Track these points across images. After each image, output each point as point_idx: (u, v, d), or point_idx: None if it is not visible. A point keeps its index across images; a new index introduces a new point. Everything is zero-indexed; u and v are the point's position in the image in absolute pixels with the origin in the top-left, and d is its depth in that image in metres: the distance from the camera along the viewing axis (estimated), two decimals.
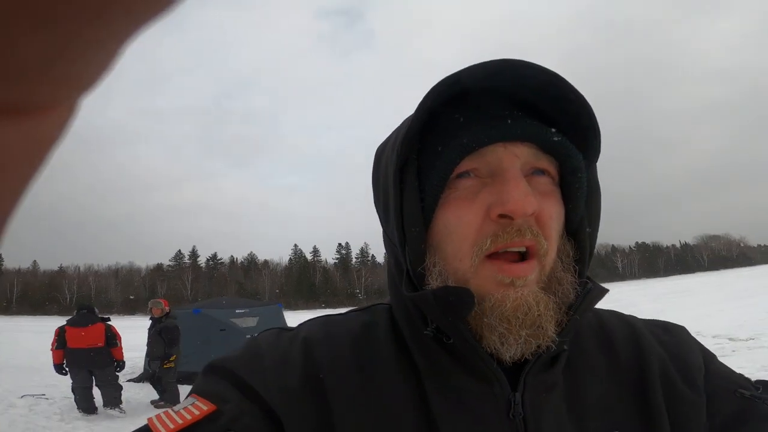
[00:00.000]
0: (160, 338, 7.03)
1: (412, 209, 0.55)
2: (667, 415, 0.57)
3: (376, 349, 0.59)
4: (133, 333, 11.20)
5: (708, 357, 0.64)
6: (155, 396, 7.21)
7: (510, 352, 0.53)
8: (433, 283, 0.55)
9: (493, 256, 0.54)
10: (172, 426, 0.52)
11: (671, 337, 0.65)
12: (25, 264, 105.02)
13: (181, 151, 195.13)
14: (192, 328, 8.36)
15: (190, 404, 0.54)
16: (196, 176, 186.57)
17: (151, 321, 7.31)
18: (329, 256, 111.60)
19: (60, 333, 6.74)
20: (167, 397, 6.92)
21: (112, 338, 6.87)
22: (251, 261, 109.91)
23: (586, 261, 0.58)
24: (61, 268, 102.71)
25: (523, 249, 0.54)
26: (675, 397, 0.58)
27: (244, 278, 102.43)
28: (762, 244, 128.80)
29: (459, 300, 0.52)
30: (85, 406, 6.63)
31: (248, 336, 7.36)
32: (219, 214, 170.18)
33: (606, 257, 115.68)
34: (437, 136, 0.56)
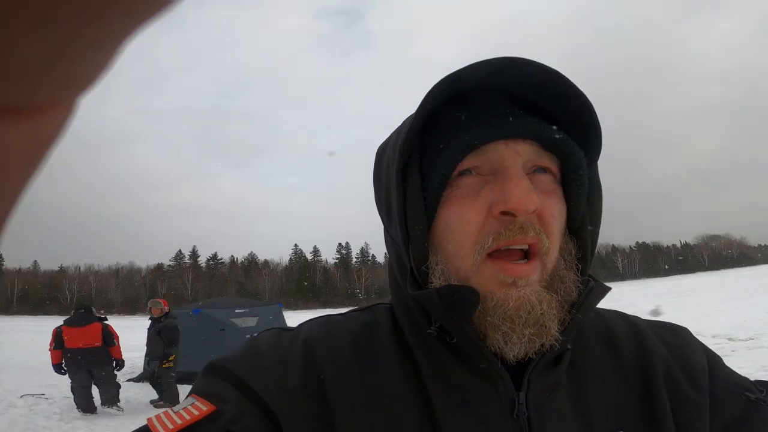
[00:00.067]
0: (160, 338, 7.04)
1: (415, 208, 0.55)
2: (671, 416, 0.56)
3: (377, 349, 0.59)
4: (133, 333, 11.21)
5: (712, 358, 0.64)
6: (155, 396, 7.21)
7: (514, 351, 0.52)
8: (436, 282, 0.55)
9: (494, 255, 0.54)
10: (171, 426, 0.51)
11: (674, 338, 0.65)
12: (26, 264, 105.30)
13: (180, 151, 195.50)
14: (192, 327, 8.36)
15: (189, 404, 0.54)
16: (196, 176, 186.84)
17: (150, 321, 7.32)
18: (329, 256, 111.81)
19: (57, 333, 6.75)
20: (166, 397, 6.93)
21: (110, 337, 6.87)
22: (251, 261, 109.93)
23: (588, 259, 0.58)
24: (61, 268, 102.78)
25: (525, 247, 0.53)
26: (679, 397, 0.58)
27: (245, 278, 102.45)
28: (762, 244, 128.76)
29: (463, 299, 0.51)
30: (85, 405, 6.63)
31: (248, 336, 7.35)
32: (219, 214, 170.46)
33: (606, 257, 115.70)
34: (439, 134, 0.56)
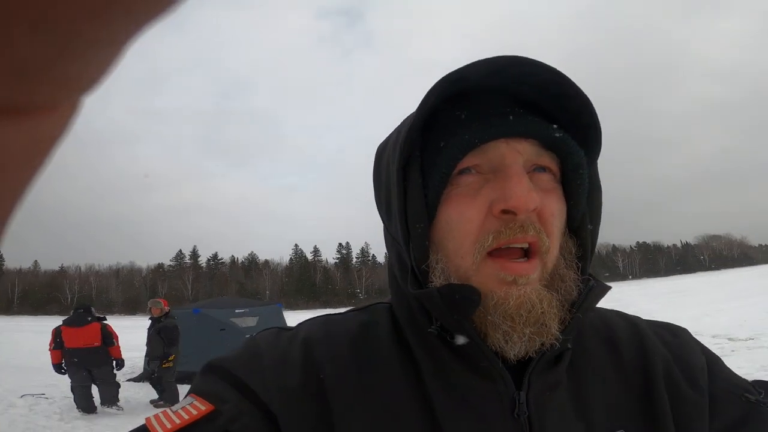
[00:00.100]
0: (160, 338, 7.04)
1: (415, 206, 0.55)
2: (671, 416, 0.57)
3: (376, 348, 0.59)
4: (133, 333, 11.22)
5: (711, 359, 0.64)
6: (155, 395, 7.21)
7: (514, 350, 0.52)
8: (436, 280, 0.55)
9: (495, 254, 0.54)
10: (169, 426, 0.51)
11: (674, 338, 0.65)
12: (26, 264, 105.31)
13: (181, 152, 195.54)
14: (192, 327, 8.37)
15: (188, 404, 0.54)
16: (197, 176, 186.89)
17: (150, 321, 7.33)
18: (330, 255, 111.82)
19: (56, 333, 6.76)
20: (166, 397, 6.93)
21: (109, 337, 6.88)
22: (252, 261, 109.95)
23: (588, 258, 0.58)
24: (62, 268, 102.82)
25: (525, 245, 0.53)
26: (679, 397, 0.58)
27: (245, 278, 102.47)
28: (763, 244, 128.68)
29: (464, 298, 0.51)
30: (84, 405, 6.64)
31: (248, 336, 7.35)
32: (219, 214, 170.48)
33: (607, 257, 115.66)
34: (439, 133, 0.56)
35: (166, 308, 7.37)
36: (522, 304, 0.51)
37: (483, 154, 0.54)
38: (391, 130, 0.64)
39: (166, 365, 6.99)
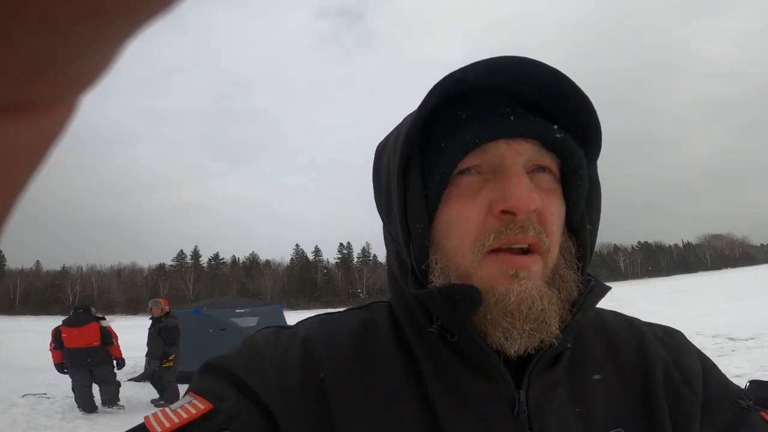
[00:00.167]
0: (160, 337, 7.06)
1: (416, 206, 0.55)
2: (670, 417, 0.57)
3: (376, 348, 0.59)
4: (134, 333, 11.24)
5: (707, 364, 0.65)
6: (156, 395, 7.23)
7: (514, 346, 0.52)
8: (436, 280, 0.55)
9: (495, 251, 0.54)
10: (168, 425, 0.51)
11: (672, 341, 0.66)
12: (28, 264, 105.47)
13: (182, 152, 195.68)
14: (192, 327, 8.38)
15: (187, 403, 0.54)
16: (197, 176, 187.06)
17: (151, 320, 7.35)
18: (331, 255, 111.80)
19: (56, 333, 6.79)
20: (167, 396, 6.94)
21: (108, 337, 6.90)
22: (253, 261, 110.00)
23: (587, 258, 0.58)
24: (63, 268, 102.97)
25: (525, 246, 0.53)
26: (677, 399, 0.59)
27: (246, 278, 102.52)
28: (765, 244, 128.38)
29: (465, 298, 0.51)
30: (85, 404, 6.66)
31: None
32: (220, 214, 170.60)
33: (608, 257, 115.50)
34: (439, 133, 0.56)
35: (167, 308, 7.39)
36: (522, 300, 0.51)
37: (483, 154, 0.54)
38: (391, 130, 0.64)
39: (167, 365, 7.01)
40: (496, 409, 0.54)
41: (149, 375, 7.50)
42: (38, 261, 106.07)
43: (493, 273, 0.53)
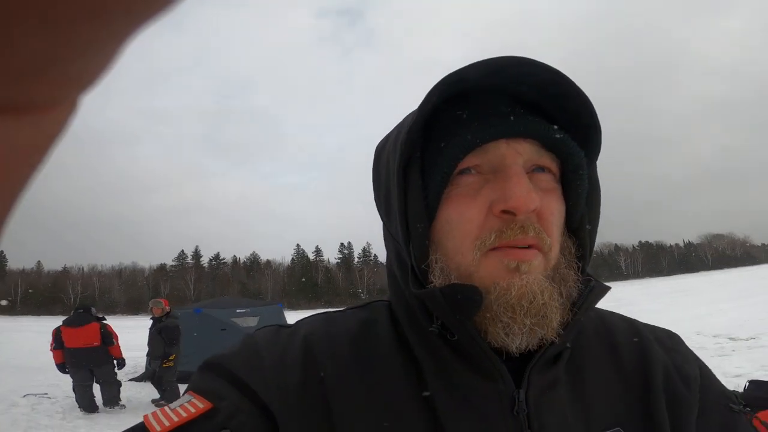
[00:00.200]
0: (160, 337, 7.08)
1: (416, 206, 0.55)
2: (669, 418, 0.57)
3: (376, 347, 0.59)
4: (135, 333, 11.26)
5: (704, 369, 0.65)
6: (157, 395, 7.24)
7: (515, 342, 0.52)
8: (436, 280, 0.55)
9: (495, 249, 0.54)
10: (167, 424, 0.51)
11: (672, 344, 0.67)
12: (29, 264, 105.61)
13: (182, 151, 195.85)
14: (193, 327, 8.40)
15: (186, 402, 0.54)
16: (198, 176, 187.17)
17: (152, 320, 7.37)
18: (332, 255, 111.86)
19: (57, 333, 6.81)
20: (168, 396, 6.95)
21: (108, 337, 6.91)
22: (254, 261, 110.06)
23: (587, 258, 0.59)
24: (65, 268, 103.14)
25: (526, 246, 0.54)
26: (677, 402, 0.59)
27: (247, 278, 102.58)
28: (766, 243, 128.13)
29: (466, 298, 0.51)
30: (86, 404, 6.68)
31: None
32: (221, 214, 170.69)
33: (609, 256, 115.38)
34: (439, 132, 0.56)
35: (167, 308, 7.40)
36: (523, 294, 0.51)
37: (483, 154, 0.54)
38: (390, 129, 0.64)
39: (167, 365, 7.02)
40: (495, 409, 0.54)
41: (150, 375, 7.51)
42: (39, 261, 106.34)
43: (494, 269, 0.53)
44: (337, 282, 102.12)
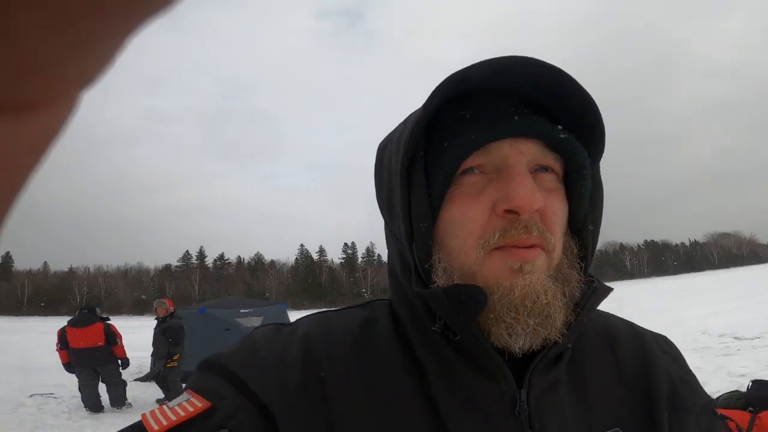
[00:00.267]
0: (164, 338, 7.12)
1: (419, 205, 0.55)
2: (668, 421, 0.58)
3: (377, 346, 0.59)
4: (140, 333, 11.32)
5: (693, 374, 0.67)
6: (161, 395, 7.28)
7: (518, 343, 0.52)
8: (439, 280, 0.55)
9: (498, 249, 0.54)
10: (165, 423, 0.51)
11: (670, 349, 0.68)
12: (36, 265, 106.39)
13: (186, 153, 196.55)
14: (197, 327, 8.43)
15: (184, 400, 0.54)
16: (202, 177, 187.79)
17: (156, 321, 7.41)
18: (335, 256, 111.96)
19: (62, 334, 6.87)
20: (172, 396, 6.99)
21: (112, 337, 6.96)
22: (258, 261, 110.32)
23: (589, 258, 0.59)
24: (71, 269, 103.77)
25: (529, 245, 0.53)
26: (675, 404, 0.60)
27: (251, 278, 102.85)
28: None
29: (470, 298, 0.51)
30: (91, 404, 6.72)
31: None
32: (225, 214, 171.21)
33: (614, 255, 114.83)
34: (443, 132, 0.56)
35: (171, 308, 7.44)
36: (527, 294, 0.51)
37: (487, 154, 0.54)
38: (392, 129, 0.64)
39: (171, 365, 7.06)
40: (498, 409, 0.54)
41: (155, 375, 7.55)
42: (46, 262, 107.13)
43: (497, 269, 0.53)
44: (341, 282, 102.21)
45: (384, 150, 0.64)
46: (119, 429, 0.53)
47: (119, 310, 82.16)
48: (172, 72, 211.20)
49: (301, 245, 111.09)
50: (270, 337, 0.60)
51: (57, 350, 6.92)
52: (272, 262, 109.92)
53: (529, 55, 0.52)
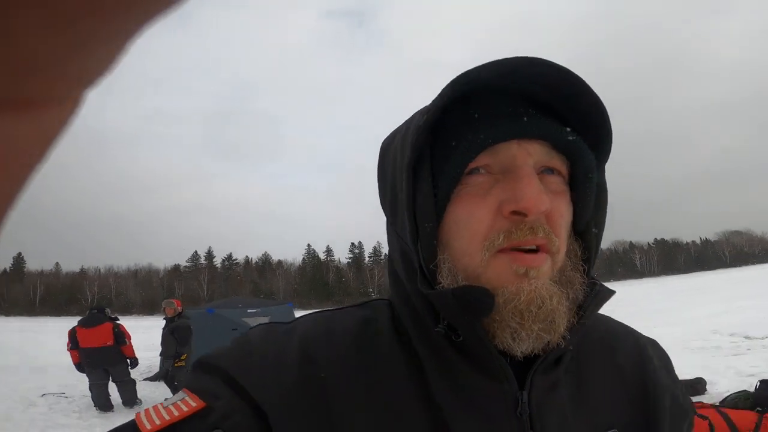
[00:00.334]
0: (173, 337, 7.19)
1: (425, 205, 0.55)
2: (666, 424, 0.59)
3: (377, 346, 0.58)
4: (150, 333, 11.42)
5: (678, 379, 0.69)
6: (171, 394, 7.34)
7: (522, 347, 0.52)
8: (443, 280, 0.54)
9: (503, 251, 0.53)
10: (158, 422, 0.50)
11: (661, 353, 0.69)
12: (48, 266, 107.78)
13: (186, 153, 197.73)
14: (205, 327, 8.49)
15: (179, 399, 0.53)
16: (210, 178, 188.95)
17: (165, 321, 7.48)
18: (342, 255, 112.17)
19: (72, 334, 6.96)
20: None
21: (121, 336, 7.03)
22: (265, 261, 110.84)
23: (591, 261, 0.58)
24: (82, 269, 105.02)
25: (534, 247, 0.53)
26: (675, 409, 0.62)
27: (259, 278, 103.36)
28: None
29: (477, 300, 0.51)
30: (101, 403, 6.79)
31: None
32: (234, 215, 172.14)
33: (624, 254, 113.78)
34: (450, 131, 0.56)
35: (179, 308, 7.51)
36: (532, 299, 0.51)
37: (494, 154, 0.54)
38: (396, 127, 0.64)
39: (179, 364, 7.12)
40: (500, 410, 0.53)
41: (164, 374, 7.62)
42: (57, 263, 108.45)
43: (502, 272, 0.52)
44: (348, 282, 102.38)
45: (388, 148, 0.63)
46: (112, 428, 0.52)
47: (129, 310, 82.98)
48: (172, 72, 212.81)
49: (308, 245, 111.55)
50: (266, 337, 0.60)
51: (68, 350, 7.00)
52: (279, 262, 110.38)
53: (536, 56, 0.52)
